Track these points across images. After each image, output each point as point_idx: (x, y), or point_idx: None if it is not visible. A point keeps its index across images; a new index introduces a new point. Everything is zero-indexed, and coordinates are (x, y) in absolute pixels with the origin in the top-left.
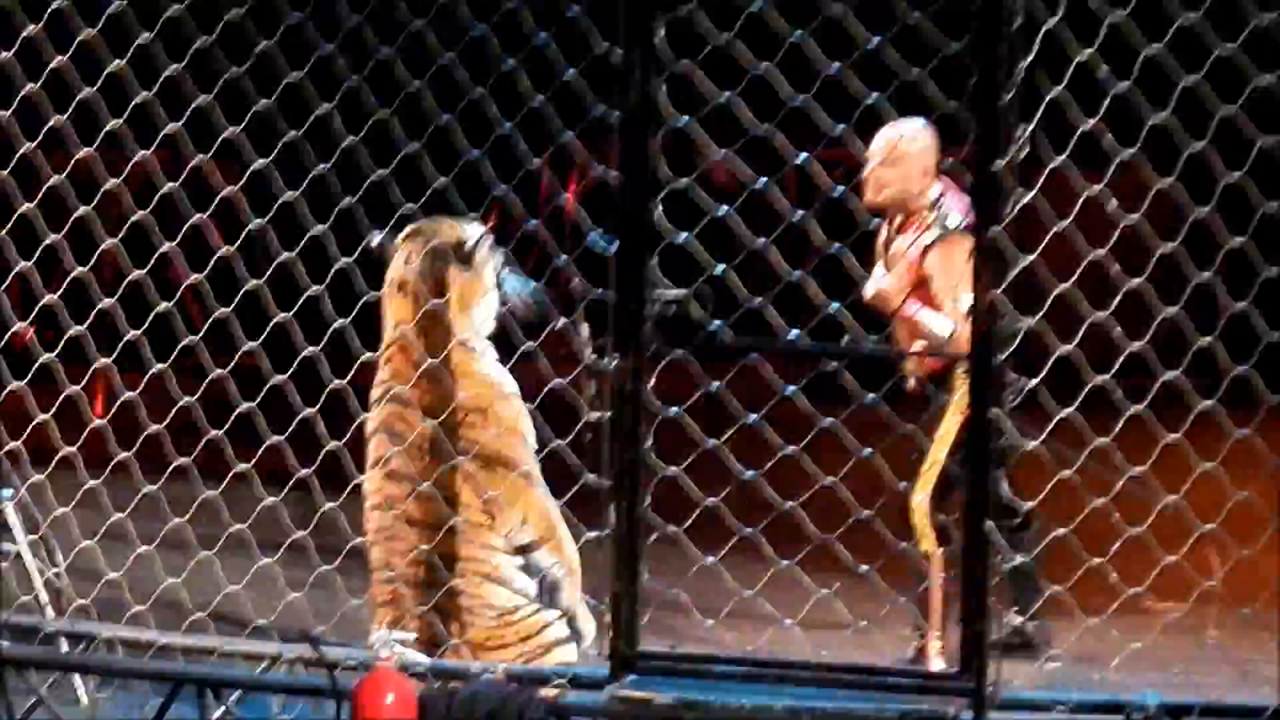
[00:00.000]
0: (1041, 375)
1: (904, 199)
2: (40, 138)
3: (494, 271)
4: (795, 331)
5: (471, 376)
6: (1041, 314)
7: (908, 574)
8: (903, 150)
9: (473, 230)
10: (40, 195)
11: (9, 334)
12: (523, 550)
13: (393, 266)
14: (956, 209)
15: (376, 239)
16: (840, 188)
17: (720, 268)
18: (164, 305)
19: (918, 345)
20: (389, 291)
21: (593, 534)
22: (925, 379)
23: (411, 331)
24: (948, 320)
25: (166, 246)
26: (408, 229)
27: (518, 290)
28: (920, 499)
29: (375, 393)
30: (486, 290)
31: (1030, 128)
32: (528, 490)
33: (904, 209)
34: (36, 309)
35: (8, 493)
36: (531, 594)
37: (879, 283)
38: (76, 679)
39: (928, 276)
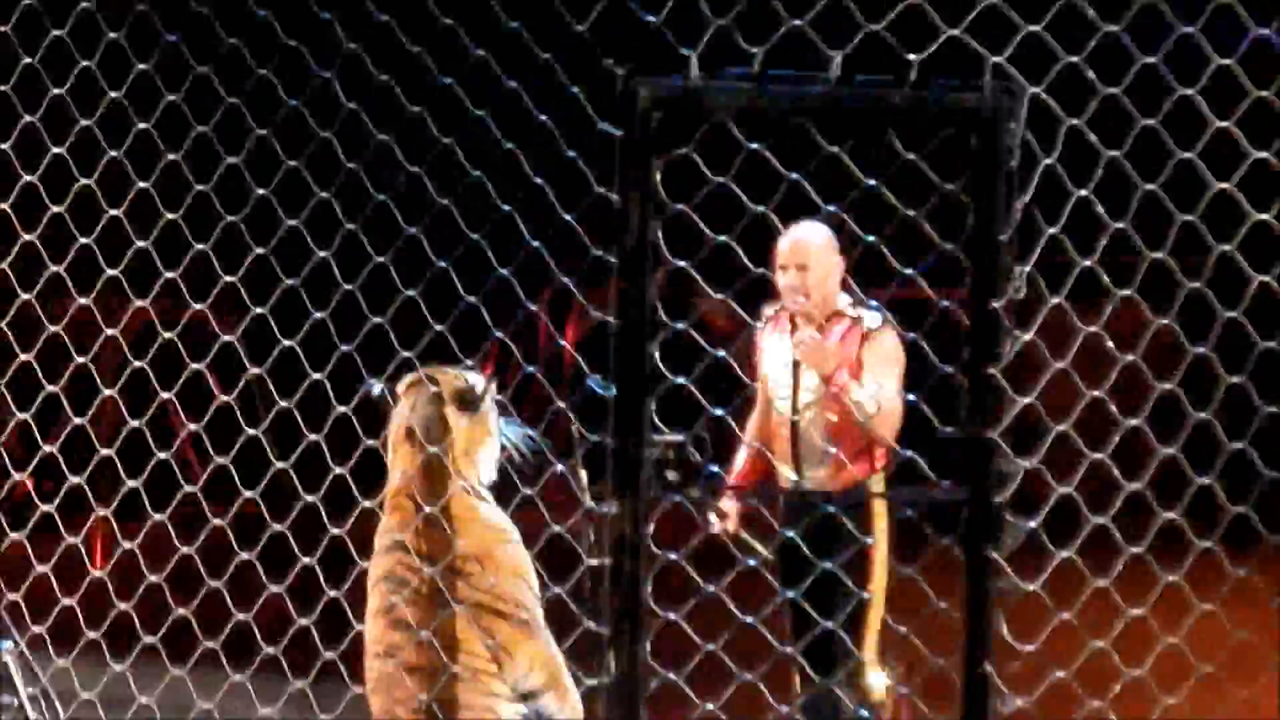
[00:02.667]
0: (1041, 516)
1: (823, 299)
2: (37, 287)
3: (496, 419)
4: (794, 475)
5: (474, 523)
6: (1040, 454)
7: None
8: (817, 249)
9: (475, 378)
10: (38, 345)
11: (8, 485)
12: (527, 697)
13: (397, 415)
14: (873, 308)
15: (376, 389)
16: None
17: (719, 411)
18: (162, 455)
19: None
20: (395, 440)
21: (593, 681)
22: (836, 495)
23: (418, 479)
24: (872, 399)
25: (165, 396)
26: (410, 378)
27: (512, 439)
28: (870, 659)
29: (380, 541)
30: (489, 437)
31: (1028, 267)
32: (532, 637)
33: (821, 309)
34: (36, 460)
35: (7, 644)
36: None
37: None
38: None
39: (865, 365)
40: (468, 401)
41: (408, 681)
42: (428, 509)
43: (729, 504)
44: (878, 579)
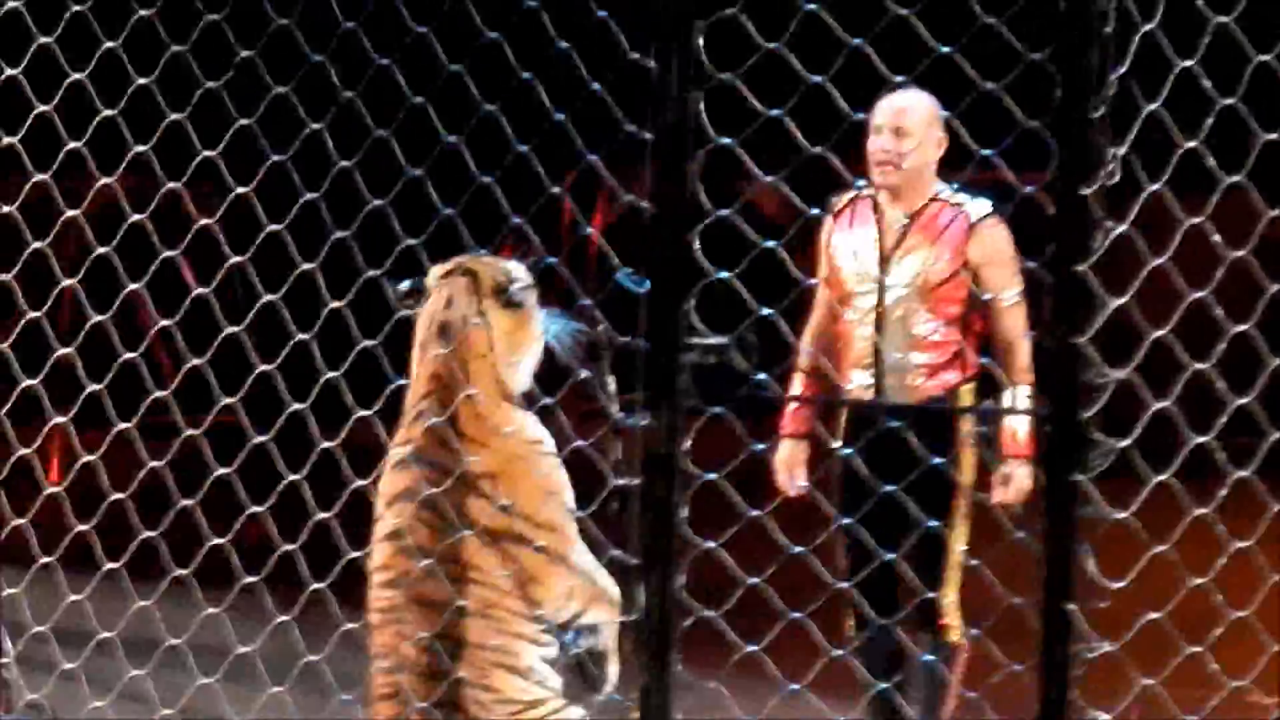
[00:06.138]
0: (1134, 435)
1: (919, 177)
2: None
3: (540, 318)
4: (852, 383)
5: (504, 436)
6: (1134, 364)
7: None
8: (920, 117)
9: (518, 270)
10: None
11: None
12: (568, 625)
13: (430, 309)
14: (978, 196)
15: (405, 285)
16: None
17: (767, 310)
18: (130, 354)
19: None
20: (424, 339)
21: (621, 618)
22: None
23: (448, 383)
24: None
25: (133, 286)
26: (446, 266)
27: (559, 333)
28: (951, 600)
29: (396, 453)
30: (533, 339)
31: (1123, 148)
32: (561, 563)
33: (915, 191)
34: None
35: None
36: (554, 687)
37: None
38: None
39: (974, 263)
40: (510, 297)
41: (420, 615)
42: (447, 414)
43: (789, 449)
44: (963, 505)
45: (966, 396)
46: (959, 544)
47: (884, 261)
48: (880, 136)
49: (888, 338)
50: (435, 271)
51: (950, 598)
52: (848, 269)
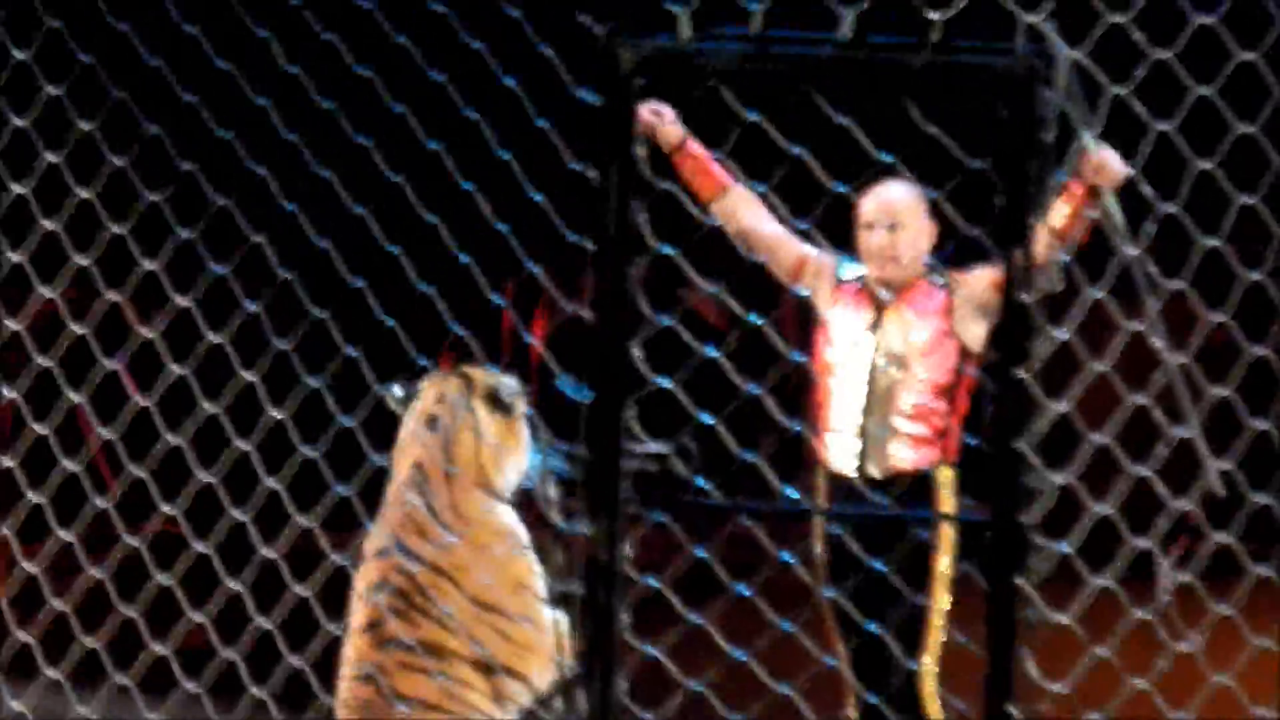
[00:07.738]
0: (1075, 538)
1: (914, 265)
2: None
3: (526, 429)
4: (792, 490)
5: (484, 527)
6: (1075, 468)
7: None
8: (911, 209)
9: (509, 379)
10: None
11: None
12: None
13: (419, 405)
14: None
15: (397, 390)
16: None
17: (707, 417)
18: (71, 465)
19: (906, 454)
20: (413, 428)
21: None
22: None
23: (434, 472)
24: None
25: (75, 398)
26: (434, 375)
27: (538, 469)
28: (929, 664)
29: (372, 544)
30: (519, 447)
31: (1064, 256)
32: (537, 650)
33: (907, 278)
34: None
35: None
36: None
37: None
38: None
39: (962, 297)
40: (499, 401)
41: (391, 711)
42: (445, 509)
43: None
44: (940, 588)
45: (945, 481)
46: (937, 631)
47: (871, 332)
48: (873, 232)
49: (872, 407)
50: (428, 379)
51: (930, 684)
52: (835, 340)
